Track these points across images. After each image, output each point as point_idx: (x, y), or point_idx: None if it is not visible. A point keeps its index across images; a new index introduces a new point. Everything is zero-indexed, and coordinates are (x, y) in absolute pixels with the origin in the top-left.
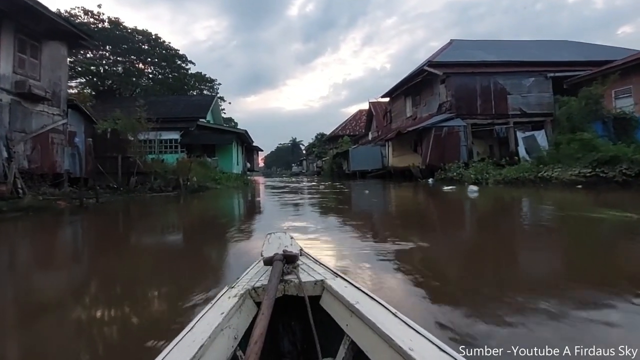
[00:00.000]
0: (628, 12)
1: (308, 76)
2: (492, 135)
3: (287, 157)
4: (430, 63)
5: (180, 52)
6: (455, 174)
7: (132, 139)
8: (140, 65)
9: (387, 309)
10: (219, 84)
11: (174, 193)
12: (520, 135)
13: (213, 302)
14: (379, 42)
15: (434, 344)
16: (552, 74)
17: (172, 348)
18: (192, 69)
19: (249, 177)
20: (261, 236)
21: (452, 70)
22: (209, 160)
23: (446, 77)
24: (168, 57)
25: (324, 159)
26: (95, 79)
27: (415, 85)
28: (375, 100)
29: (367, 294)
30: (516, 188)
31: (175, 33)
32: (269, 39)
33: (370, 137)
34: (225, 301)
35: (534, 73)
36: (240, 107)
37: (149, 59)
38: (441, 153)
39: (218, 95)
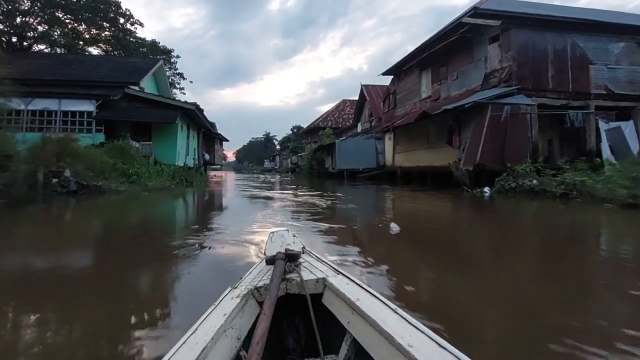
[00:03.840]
0: None
1: (285, 72)
2: (560, 123)
3: (259, 152)
4: (476, 11)
5: (124, 6)
6: (535, 182)
7: None
8: (77, 25)
9: (388, 306)
10: (178, 56)
11: (3, 201)
12: (602, 126)
13: (216, 303)
14: (358, 43)
15: (433, 340)
16: None
17: (176, 351)
18: (145, 37)
19: (205, 173)
20: None
21: (512, 22)
22: (135, 146)
23: (502, 31)
24: (101, 6)
25: (300, 154)
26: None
27: (440, 50)
28: (369, 84)
29: (368, 291)
30: None
31: (150, 17)
32: (247, 32)
33: (359, 128)
34: (227, 302)
35: (623, 37)
36: (215, 100)
37: (78, 10)
38: (500, 147)
39: (177, 71)
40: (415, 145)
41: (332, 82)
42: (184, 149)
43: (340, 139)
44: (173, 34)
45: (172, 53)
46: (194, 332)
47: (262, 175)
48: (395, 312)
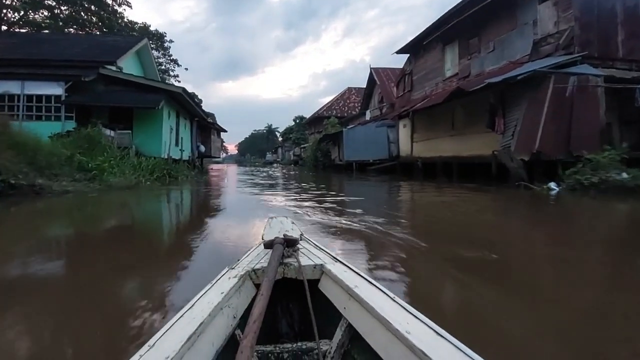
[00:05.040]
0: None
1: (288, 64)
2: (623, 102)
3: (261, 145)
4: None
5: None
6: (626, 175)
7: None
8: (62, 8)
9: (385, 294)
10: (171, 41)
11: None
12: None
13: (213, 282)
14: (360, 34)
15: (430, 328)
16: None
17: (173, 324)
18: (136, 21)
19: (202, 166)
20: None
21: None
22: (109, 135)
23: None
24: None
25: (303, 145)
26: None
27: (471, 18)
28: (379, 67)
29: (365, 278)
30: None
31: (150, 10)
32: (249, 24)
33: (368, 116)
34: (225, 281)
35: None
36: (217, 93)
37: None
38: (565, 130)
39: (171, 56)
40: (437, 132)
41: (334, 73)
42: (172, 138)
43: (349, 127)
44: (174, 27)
45: (166, 37)
46: (190, 307)
47: (263, 169)
48: (394, 300)
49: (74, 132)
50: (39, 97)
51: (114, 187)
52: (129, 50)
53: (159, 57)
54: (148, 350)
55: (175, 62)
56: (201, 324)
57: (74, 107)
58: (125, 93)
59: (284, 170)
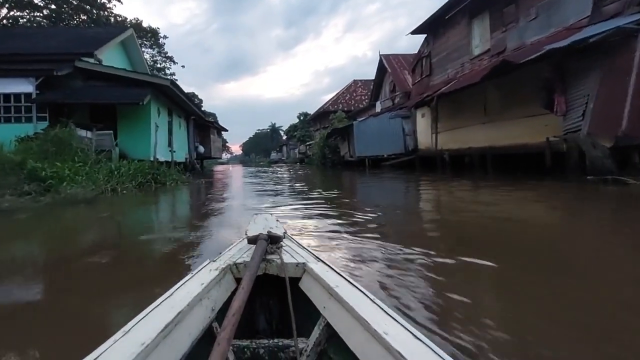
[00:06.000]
0: None
1: (289, 62)
2: None
3: (265, 144)
4: None
5: None
6: None
7: None
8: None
9: (365, 295)
10: (165, 37)
11: None
12: None
13: (193, 273)
14: (361, 29)
15: (408, 330)
16: None
17: (150, 312)
18: (126, 17)
19: (202, 168)
20: None
21: None
22: (85, 136)
23: None
24: None
25: (309, 143)
26: None
27: None
28: (389, 53)
29: (347, 279)
30: None
31: (151, 14)
32: (249, 24)
33: (379, 107)
34: (205, 273)
35: None
36: (220, 95)
37: None
38: None
39: (167, 54)
40: (465, 120)
41: (336, 70)
42: (161, 138)
43: (360, 119)
44: (175, 30)
45: (160, 34)
46: (169, 296)
47: (269, 169)
48: (373, 302)
49: (42, 134)
50: (7, 97)
51: (69, 201)
52: (111, 40)
53: (155, 55)
54: (123, 335)
55: (170, 59)
56: (179, 313)
57: (47, 106)
58: (106, 88)
59: (291, 171)
